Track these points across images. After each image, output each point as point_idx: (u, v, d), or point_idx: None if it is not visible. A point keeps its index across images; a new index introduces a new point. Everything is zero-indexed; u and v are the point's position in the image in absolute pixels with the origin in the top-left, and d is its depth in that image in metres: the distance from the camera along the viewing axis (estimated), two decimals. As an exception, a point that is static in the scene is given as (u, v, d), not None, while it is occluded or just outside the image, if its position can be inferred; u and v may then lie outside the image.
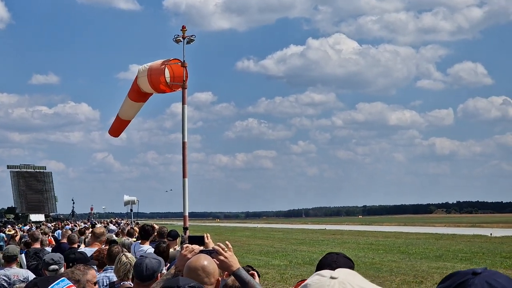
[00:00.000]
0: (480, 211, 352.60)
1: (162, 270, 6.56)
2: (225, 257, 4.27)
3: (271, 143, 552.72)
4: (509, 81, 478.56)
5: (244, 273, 4.30)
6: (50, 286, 3.88)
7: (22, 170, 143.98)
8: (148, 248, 12.35)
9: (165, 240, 13.05)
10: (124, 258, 7.72)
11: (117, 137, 28.79)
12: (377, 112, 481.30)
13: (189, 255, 4.42)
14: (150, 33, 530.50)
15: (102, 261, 9.15)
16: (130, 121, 26.59)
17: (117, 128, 27.05)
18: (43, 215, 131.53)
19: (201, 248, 4.53)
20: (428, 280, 24.05)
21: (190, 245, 4.58)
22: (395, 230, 75.70)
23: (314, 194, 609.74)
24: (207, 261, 4.11)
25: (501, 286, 1.93)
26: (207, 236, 4.92)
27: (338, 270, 1.94)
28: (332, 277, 1.88)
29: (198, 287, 3.44)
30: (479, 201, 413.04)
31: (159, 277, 6.45)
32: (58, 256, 8.82)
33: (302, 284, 1.95)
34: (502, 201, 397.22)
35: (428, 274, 26.01)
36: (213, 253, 4.34)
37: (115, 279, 7.91)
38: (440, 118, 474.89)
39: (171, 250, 12.21)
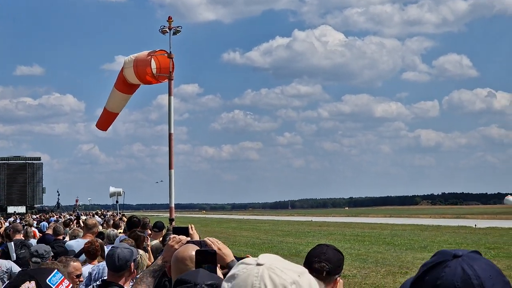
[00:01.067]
0: (465, 203, 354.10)
1: (135, 259, 6.55)
2: (219, 249, 4.23)
3: (257, 135, 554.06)
4: (493, 73, 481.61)
5: None
6: (47, 279, 3.85)
7: (10, 162, 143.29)
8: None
9: (144, 230, 12.98)
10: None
11: (105, 130, 28.40)
12: (363, 104, 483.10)
13: (176, 246, 4.38)
14: (136, 24, 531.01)
15: (93, 252, 9.10)
16: (117, 114, 26.39)
17: (105, 121, 26.83)
18: (24, 207, 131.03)
19: (188, 238, 4.50)
20: (413, 271, 24.07)
21: (177, 235, 4.55)
22: (381, 222, 75.94)
23: (300, 186, 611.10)
24: (194, 251, 4.08)
25: (474, 274, 1.93)
26: (191, 227, 4.89)
27: (262, 256, 1.91)
28: (258, 264, 1.86)
29: (217, 285, 3.33)
30: (464, 192, 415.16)
31: (132, 267, 6.46)
32: (43, 249, 8.77)
33: (229, 274, 1.92)
34: (486, 193, 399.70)
35: (413, 265, 26.08)
36: (202, 243, 4.30)
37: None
38: (426, 110, 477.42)
39: (157, 241, 12.17)
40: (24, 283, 3.78)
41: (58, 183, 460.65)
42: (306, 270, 1.93)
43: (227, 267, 4.30)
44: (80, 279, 7.28)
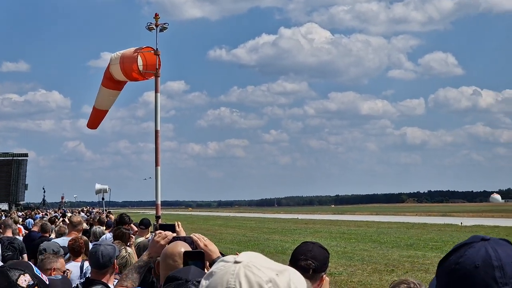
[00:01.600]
0: (451, 201, 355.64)
1: (117, 255, 6.54)
2: (205, 245, 4.22)
3: (243, 132, 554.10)
4: (479, 71, 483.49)
5: None
6: (35, 271, 3.88)
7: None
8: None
9: (126, 227, 12.93)
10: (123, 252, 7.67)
11: (95, 128, 28.47)
12: (349, 101, 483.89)
13: (162, 242, 4.38)
14: (122, 21, 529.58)
15: (77, 250, 9.06)
16: (107, 111, 26.33)
17: (95, 119, 26.78)
18: (7, 203, 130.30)
19: (174, 234, 4.49)
20: (399, 269, 24.20)
21: (162, 231, 4.54)
22: (367, 219, 76.17)
23: (286, 183, 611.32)
24: (184, 248, 4.07)
25: (496, 256, 1.97)
26: (178, 225, 4.88)
27: (243, 253, 1.89)
28: (236, 261, 1.84)
29: None
30: (450, 190, 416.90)
31: (115, 263, 6.45)
32: (52, 248, 8.66)
33: (208, 271, 1.91)
34: (472, 191, 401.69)
35: (399, 262, 26.17)
36: (187, 239, 4.29)
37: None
38: (412, 108, 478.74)
39: (142, 239, 12.13)
40: (19, 277, 3.79)
41: (44, 180, 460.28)
42: (289, 269, 1.90)
43: (213, 263, 4.29)
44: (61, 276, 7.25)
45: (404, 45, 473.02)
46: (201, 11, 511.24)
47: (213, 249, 4.26)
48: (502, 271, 1.95)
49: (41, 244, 9.30)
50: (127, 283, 4.34)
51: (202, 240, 4.27)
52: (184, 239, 4.34)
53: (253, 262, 1.84)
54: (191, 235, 4.36)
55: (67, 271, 7.97)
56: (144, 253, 4.61)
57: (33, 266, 4.02)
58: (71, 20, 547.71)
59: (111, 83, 23.99)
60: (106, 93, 24.69)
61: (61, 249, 8.76)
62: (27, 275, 3.81)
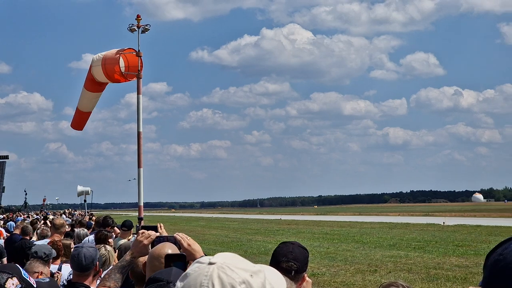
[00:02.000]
0: (433, 200, 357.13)
1: (98, 257, 6.52)
2: (188, 245, 4.22)
3: (225, 133, 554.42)
4: (460, 71, 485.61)
5: None
6: (22, 274, 3.88)
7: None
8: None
9: (108, 229, 12.91)
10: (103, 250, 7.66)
11: (81, 130, 28.49)
12: (332, 102, 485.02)
13: (145, 241, 4.38)
14: (104, 23, 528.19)
15: (56, 252, 9.01)
16: (90, 112, 26.34)
17: (79, 120, 26.80)
18: None
19: (157, 234, 4.49)
20: (382, 269, 24.25)
21: (146, 231, 4.53)
22: (350, 220, 76.21)
23: (269, 184, 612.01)
24: (171, 250, 4.07)
25: None
26: (160, 226, 4.88)
27: (218, 254, 1.90)
28: (210, 263, 1.84)
29: None
30: (432, 190, 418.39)
31: (97, 265, 6.42)
32: (43, 251, 8.58)
33: (183, 273, 1.91)
34: (454, 190, 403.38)
35: (382, 262, 26.22)
36: (171, 239, 4.29)
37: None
38: (394, 108, 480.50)
39: (125, 240, 12.10)
40: (7, 281, 3.79)
41: (25, 182, 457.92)
42: (265, 269, 1.90)
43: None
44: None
45: (385, 46, 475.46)
46: (183, 12, 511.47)
47: (197, 249, 4.26)
48: None
49: (33, 247, 9.23)
50: (110, 284, 4.33)
51: (186, 240, 4.27)
52: (167, 238, 4.35)
53: (227, 263, 1.84)
54: (174, 235, 4.36)
55: (57, 273, 7.94)
56: (127, 253, 4.60)
57: (20, 269, 4.02)
58: (53, 22, 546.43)
59: (94, 85, 23.96)
60: (89, 95, 24.69)
61: (53, 252, 8.70)
62: (14, 278, 3.81)
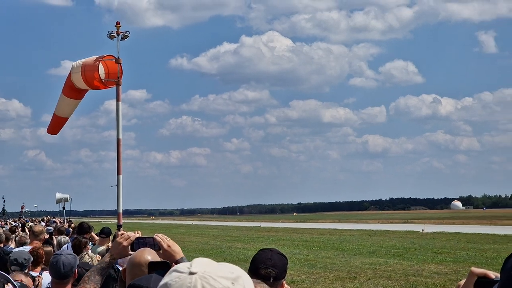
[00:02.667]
0: (412, 208, 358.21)
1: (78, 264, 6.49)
2: (168, 246, 4.21)
3: (204, 141, 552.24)
4: (439, 79, 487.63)
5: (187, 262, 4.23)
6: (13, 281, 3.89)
7: None
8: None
9: (86, 236, 12.87)
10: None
11: (56, 134, 28.42)
12: (311, 109, 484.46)
13: (124, 243, 4.35)
14: (83, 29, 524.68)
15: (36, 259, 8.97)
16: (67, 118, 26.24)
17: (55, 125, 26.70)
18: None
19: (137, 235, 4.47)
20: (362, 276, 24.30)
21: (125, 232, 4.52)
22: (330, 227, 76.37)
23: (248, 191, 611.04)
24: (150, 256, 4.06)
25: None
26: (138, 233, 4.87)
27: (195, 262, 1.88)
28: (191, 273, 1.83)
29: None
30: (412, 197, 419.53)
31: (76, 273, 6.38)
32: (23, 257, 8.52)
33: (161, 282, 1.90)
34: (433, 198, 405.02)
35: (362, 270, 26.28)
36: (150, 240, 4.29)
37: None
38: (373, 116, 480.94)
39: (103, 247, 12.07)
40: (4, 285, 3.81)
41: (3, 189, 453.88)
42: (241, 275, 1.91)
43: (176, 264, 4.28)
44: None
45: (365, 53, 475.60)
46: (163, 20, 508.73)
47: (177, 250, 4.25)
48: None
49: (11, 254, 9.17)
50: (89, 286, 4.31)
51: (166, 241, 4.26)
52: (147, 239, 4.34)
53: (208, 272, 1.83)
54: (154, 236, 4.35)
55: (38, 277, 7.89)
56: (106, 254, 4.58)
57: (9, 276, 4.01)
58: (31, 28, 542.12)
59: (72, 92, 23.89)
60: (67, 101, 24.60)
61: (31, 258, 8.66)
62: (9, 284, 3.81)
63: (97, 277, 4.34)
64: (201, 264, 1.86)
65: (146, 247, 4.30)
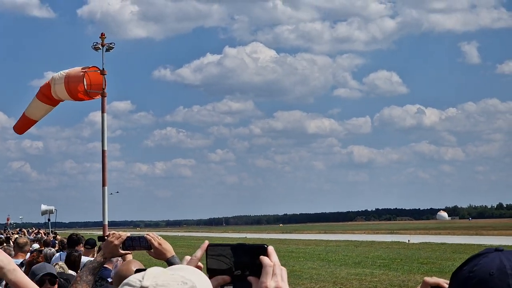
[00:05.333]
0: (398, 218, 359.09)
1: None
2: (159, 244, 4.24)
3: (189, 152, 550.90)
4: (423, 90, 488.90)
5: (178, 261, 4.24)
6: None
7: None
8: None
9: (79, 249, 12.81)
10: None
11: (21, 134, 28.28)
12: (296, 120, 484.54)
13: (116, 242, 4.36)
14: (66, 41, 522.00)
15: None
16: (36, 121, 26.07)
17: (22, 125, 26.52)
18: None
19: (128, 234, 4.47)
20: (347, 287, 24.30)
21: (116, 232, 4.52)
22: (315, 238, 76.40)
23: (234, 203, 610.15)
24: (136, 267, 4.07)
25: (510, 265, 2.03)
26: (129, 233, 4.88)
27: (147, 274, 1.83)
28: (142, 287, 1.77)
29: None
30: (397, 208, 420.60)
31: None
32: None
33: None
34: (419, 208, 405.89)
35: (347, 280, 26.28)
36: (141, 239, 4.30)
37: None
38: (358, 126, 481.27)
39: (88, 258, 12.00)
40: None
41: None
42: (195, 281, 1.87)
43: (167, 262, 4.29)
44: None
45: (349, 64, 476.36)
46: (146, 31, 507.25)
47: (168, 248, 4.34)
48: None
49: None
50: (81, 286, 4.29)
51: (156, 239, 4.33)
52: (138, 238, 4.36)
53: (160, 284, 1.79)
54: (145, 235, 4.37)
55: None
56: (98, 254, 4.58)
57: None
58: (14, 39, 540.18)
59: (48, 100, 23.74)
60: (40, 105, 24.41)
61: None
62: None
63: (89, 277, 4.32)
64: (152, 276, 1.81)
65: (137, 245, 4.37)
